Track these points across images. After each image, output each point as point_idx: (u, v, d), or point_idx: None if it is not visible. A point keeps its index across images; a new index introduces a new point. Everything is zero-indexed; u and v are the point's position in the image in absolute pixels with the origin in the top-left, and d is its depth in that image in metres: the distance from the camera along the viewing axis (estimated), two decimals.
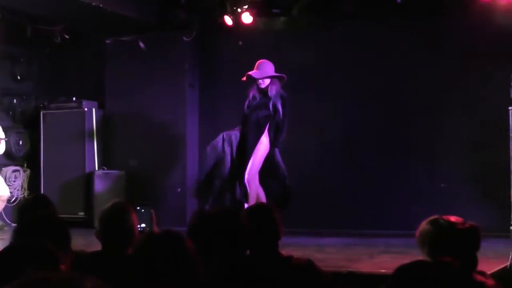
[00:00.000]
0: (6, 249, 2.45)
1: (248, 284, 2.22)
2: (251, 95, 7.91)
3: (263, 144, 7.78)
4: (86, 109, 9.70)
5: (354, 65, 8.97)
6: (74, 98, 9.81)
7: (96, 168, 9.64)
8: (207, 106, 9.76)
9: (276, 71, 9.17)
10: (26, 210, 4.29)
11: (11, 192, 8.94)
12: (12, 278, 1.20)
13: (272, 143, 7.79)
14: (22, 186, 9.83)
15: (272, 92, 7.82)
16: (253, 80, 7.89)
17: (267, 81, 7.87)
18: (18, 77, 10.25)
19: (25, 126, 10.27)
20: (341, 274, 4.66)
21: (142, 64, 9.76)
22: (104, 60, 10.11)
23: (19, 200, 9.35)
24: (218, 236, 2.87)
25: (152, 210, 3.96)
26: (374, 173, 8.79)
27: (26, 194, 9.71)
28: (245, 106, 7.91)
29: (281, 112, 7.75)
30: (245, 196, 7.72)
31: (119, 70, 9.98)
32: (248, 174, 7.67)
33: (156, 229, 4.04)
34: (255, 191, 7.70)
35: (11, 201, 8.87)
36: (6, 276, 1.25)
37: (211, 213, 2.97)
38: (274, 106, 7.76)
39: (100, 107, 9.97)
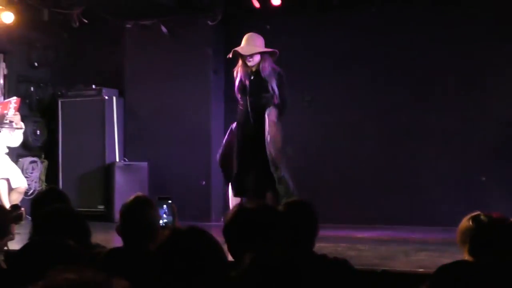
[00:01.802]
0: (27, 246, 2.47)
1: (279, 283, 2.21)
2: (239, 76, 7.29)
3: (273, 129, 7.20)
4: (106, 97, 9.74)
5: (386, 50, 8.90)
6: (93, 86, 9.86)
7: (117, 160, 9.68)
8: (233, 93, 9.74)
9: (306, 56, 9.17)
10: (39, 204, 4.31)
11: (28, 184, 9.01)
12: (34, 276, 1.20)
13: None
14: (39, 178, 9.91)
15: (266, 71, 7.20)
16: (240, 57, 7.28)
17: (257, 58, 7.25)
18: (35, 64, 10.32)
19: (42, 114, 10.34)
20: (376, 272, 4.64)
21: (164, 50, 9.77)
22: (124, 45, 10.14)
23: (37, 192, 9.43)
24: (258, 232, 2.86)
25: (173, 205, 3.98)
26: (409, 166, 8.74)
27: (43, 186, 9.79)
28: (236, 89, 7.39)
29: (277, 93, 7.16)
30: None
31: (139, 56, 10.00)
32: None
33: (178, 224, 4.05)
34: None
35: (28, 193, 8.94)
36: (29, 274, 1.26)
37: (251, 208, 2.96)
38: (272, 87, 7.16)
39: (121, 94, 10.00)
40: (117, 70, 10.17)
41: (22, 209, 4.51)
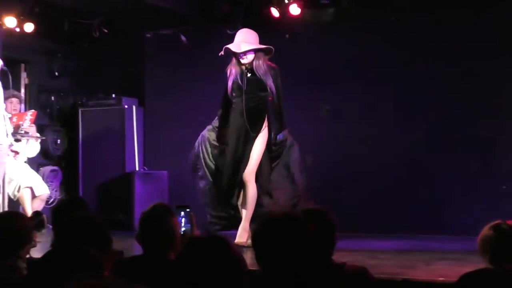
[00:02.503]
0: (48, 254, 2.48)
1: None
2: (233, 75, 6.97)
3: (264, 134, 7.02)
4: (126, 106, 9.79)
5: (405, 60, 8.88)
6: (113, 95, 9.91)
7: (137, 168, 9.72)
8: None
9: (324, 65, 9.15)
10: (60, 213, 4.33)
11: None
12: (55, 284, 1.21)
13: (277, 129, 7.10)
14: (60, 187, 9.96)
15: (261, 69, 6.92)
16: (233, 55, 6.99)
17: (250, 55, 6.97)
18: (56, 73, 10.40)
19: (63, 124, 10.41)
20: (396, 281, 4.62)
21: (183, 59, 9.80)
22: (144, 54, 10.19)
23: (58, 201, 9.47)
24: (284, 241, 2.85)
25: (192, 213, 3.98)
26: (428, 174, 8.69)
27: (64, 195, 9.83)
28: (229, 88, 7.05)
29: (274, 92, 6.94)
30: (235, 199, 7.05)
31: (159, 65, 10.04)
32: (247, 173, 6.93)
33: (196, 232, 4.06)
34: (254, 195, 6.98)
35: (49, 202, 8.99)
36: (50, 282, 1.27)
37: (277, 217, 2.96)
38: (269, 86, 6.90)
39: (141, 104, 10.04)
40: (137, 79, 10.22)
41: (44, 215, 4.54)
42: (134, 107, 9.87)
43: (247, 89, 6.97)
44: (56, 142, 10.17)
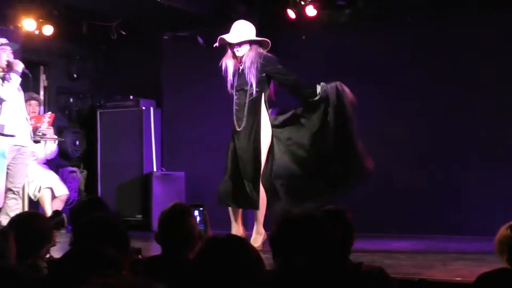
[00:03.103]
0: (68, 254, 2.49)
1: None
2: (229, 69, 6.74)
3: (265, 128, 6.71)
4: (143, 108, 9.81)
5: (421, 61, 8.85)
6: (131, 97, 9.93)
7: (155, 169, 9.74)
8: (269, 102, 9.73)
9: (341, 66, 9.12)
10: (80, 213, 4.35)
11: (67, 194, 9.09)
12: (75, 283, 1.21)
13: (308, 95, 6.68)
14: (78, 188, 10.01)
15: (248, 61, 6.60)
16: (228, 47, 6.75)
17: (245, 47, 6.73)
18: (74, 75, 10.45)
19: (81, 125, 10.46)
20: (413, 282, 4.60)
21: (200, 60, 9.80)
22: (161, 56, 10.21)
23: (76, 202, 9.51)
24: (302, 241, 2.85)
25: (205, 212, 3.99)
26: (446, 174, 8.66)
27: (83, 195, 9.87)
28: (228, 84, 6.87)
29: (254, 85, 6.57)
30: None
31: (176, 66, 10.06)
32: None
33: (210, 232, 4.07)
34: (263, 198, 6.71)
35: (68, 203, 9.03)
36: (70, 282, 1.27)
37: (296, 217, 2.96)
38: (249, 79, 6.52)
39: (158, 105, 10.07)
40: (155, 81, 10.24)
41: (64, 215, 4.57)
42: (151, 109, 9.89)
43: (237, 85, 6.79)
44: (75, 144, 10.22)
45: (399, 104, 8.94)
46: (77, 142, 10.25)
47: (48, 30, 9.24)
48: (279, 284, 2.29)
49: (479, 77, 8.56)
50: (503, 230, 3.25)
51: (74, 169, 10.06)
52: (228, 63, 6.82)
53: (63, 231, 8.76)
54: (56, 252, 4.30)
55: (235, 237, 2.50)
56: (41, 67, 10.17)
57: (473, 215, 8.29)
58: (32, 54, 9.22)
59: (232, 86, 6.84)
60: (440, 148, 8.73)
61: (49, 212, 7.93)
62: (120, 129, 9.81)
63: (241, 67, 6.74)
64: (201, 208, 4.12)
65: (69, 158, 10.17)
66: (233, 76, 6.81)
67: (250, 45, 6.71)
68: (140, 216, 9.44)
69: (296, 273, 1.95)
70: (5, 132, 7.00)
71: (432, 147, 8.77)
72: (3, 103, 6.98)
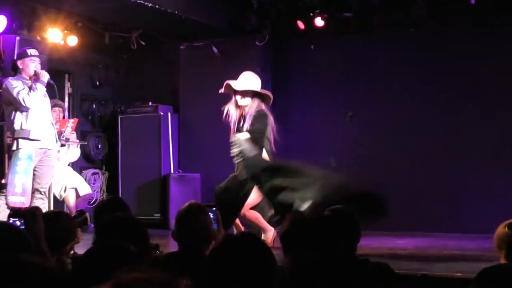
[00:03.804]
0: (92, 251, 2.49)
1: (325, 286, 2.19)
2: (232, 116, 6.56)
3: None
4: (161, 113, 9.83)
5: (423, 67, 8.83)
6: (150, 103, 9.95)
7: (172, 171, 9.75)
8: (279, 110, 9.73)
9: (348, 74, 9.11)
10: (102, 212, 4.35)
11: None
12: (98, 279, 1.21)
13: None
14: (101, 188, 10.03)
15: (248, 114, 6.46)
16: (233, 94, 6.58)
17: (248, 99, 6.56)
18: (97, 83, 10.48)
19: (104, 130, 10.48)
20: (416, 277, 4.58)
21: (215, 69, 9.81)
22: (179, 65, 10.23)
23: (99, 201, 9.53)
24: (312, 239, 2.85)
25: (218, 212, 3.99)
26: (446, 174, 8.63)
27: (104, 196, 9.90)
28: (232, 129, 6.67)
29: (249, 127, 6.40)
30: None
31: (193, 74, 10.07)
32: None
33: (222, 231, 4.07)
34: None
35: (91, 202, 9.06)
36: (93, 277, 1.27)
37: (307, 216, 2.96)
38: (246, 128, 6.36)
39: (175, 111, 10.08)
40: (172, 88, 10.26)
41: (87, 214, 4.57)
42: (169, 114, 9.90)
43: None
44: (97, 147, 10.25)
45: (403, 108, 8.93)
46: (100, 146, 10.28)
47: (72, 40, 9.27)
48: (289, 279, 2.28)
49: (480, 83, 8.55)
50: (501, 228, 3.24)
51: (97, 170, 10.08)
52: (231, 109, 6.65)
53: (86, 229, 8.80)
54: (80, 249, 4.31)
55: (249, 234, 2.50)
56: (66, 76, 10.20)
57: (473, 214, 8.26)
58: (57, 64, 9.25)
59: (235, 131, 6.65)
60: (441, 148, 8.71)
61: (73, 211, 7.94)
62: (140, 133, 9.83)
63: (243, 117, 6.61)
64: (214, 209, 4.12)
65: (92, 160, 10.20)
66: (238, 123, 6.65)
67: (252, 98, 6.55)
68: (158, 215, 9.45)
69: (306, 269, 1.95)
70: (31, 137, 7.06)
71: (434, 147, 8.74)
72: (29, 111, 7.04)
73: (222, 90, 6.69)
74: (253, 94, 6.57)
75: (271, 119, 6.64)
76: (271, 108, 9.51)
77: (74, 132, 8.41)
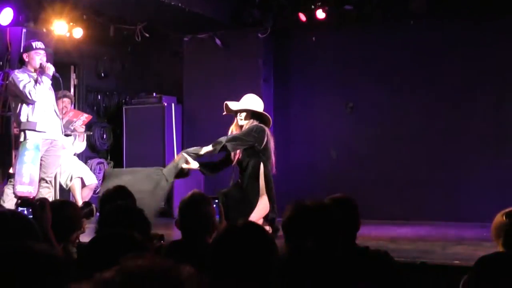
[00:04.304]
0: (96, 238, 2.49)
1: (324, 274, 2.18)
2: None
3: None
4: (165, 104, 9.82)
5: (424, 60, 8.82)
6: (154, 94, 9.95)
7: None
8: (280, 101, 9.74)
9: (349, 65, 9.09)
10: (107, 201, 4.35)
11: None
12: (103, 266, 1.21)
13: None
14: None
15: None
16: (234, 115, 6.59)
17: (247, 117, 6.55)
18: (102, 75, 10.46)
19: (109, 120, 10.48)
20: (415, 264, 4.58)
21: (218, 60, 9.81)
22: (182, 57, 10.21)
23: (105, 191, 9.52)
24: (313, 226, 2.84)
25: (220, 204, 3.98)
26: (446, 163, 8.63)
27: None
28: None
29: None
30: None
31: (196, 66, 10.05)
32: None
33: (224, 223, 4.07)
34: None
35: (96, 191, 9.06)
36: (100, 265, 1.27)
37: (308, 205, 2.95)
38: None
39: (179, 102, 10.07)
40: (176, 79, 10.25)
41: (93, 205, 4.58)
42: (173, 105, 9.90)
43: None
44: (102, 137, 10.25)
45: (404, 99, 8.93)
46: (105, 136, 10.28)
47: (78, 33, 9.25)
48: (288, 267, 2.27)
49: (479, 75, 8.53)
50: (499, 217, 3.23)
51: (102, 160, 10.08)
52: (233, 129, 6.68)
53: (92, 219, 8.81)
54: (85, 239, 4.31)
55: (252, 223, 2.49)
56: (72, 67, 10.18)
57: (472, 203, 8.26)
58: (63, 55, 9.23)
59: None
60: (441, 138, 8.70)
61: (79, 200, 7.95)
62: (144, 124, 9.83)
63: None
64: (217, 200, 4.13)
65: (97, 150, 10.20)
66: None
67: (250, 118, 6.55)
68: (162, 204, 9.43)
69: (304, 257, 1.95)
70: (37, 129, 7.07)
71: (433, 137, 8.74)
72: (35, 103, 7.05)
73: (224, 113, 6.70)
74: (252, 114, 6.57)
75: (269, 136, 6.60)
76: (274, 99, 9.54)
77: (84, 127, 8.42)
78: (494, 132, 8.43)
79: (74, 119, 8.21)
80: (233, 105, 6.59)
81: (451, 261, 4.85)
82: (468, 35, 8.59)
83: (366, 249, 3.24)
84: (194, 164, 6.66)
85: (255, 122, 6.59)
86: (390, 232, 7.19)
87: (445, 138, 8.67)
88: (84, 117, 8.34)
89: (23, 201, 3.93)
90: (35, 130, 7.06)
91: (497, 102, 8.42)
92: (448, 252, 5.56)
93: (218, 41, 9.70)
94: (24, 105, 7.08)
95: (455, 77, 8.65)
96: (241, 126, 6.56)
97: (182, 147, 9.98)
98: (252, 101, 6.62)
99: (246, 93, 9.52)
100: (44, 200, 3.57)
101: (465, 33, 8.61)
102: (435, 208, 8.50)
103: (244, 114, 6.54)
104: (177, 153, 9.86)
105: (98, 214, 4.45)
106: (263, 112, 6.65)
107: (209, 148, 6.61)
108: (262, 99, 9.53)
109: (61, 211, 3.79)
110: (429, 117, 8.78)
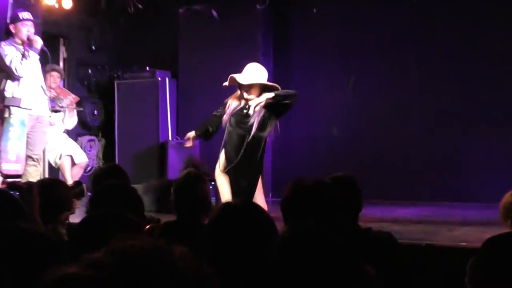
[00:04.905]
0: (88, 218, 2.48)
1: (326, 255, 2.18)
2: (231, 106, 6.20)
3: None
4: (159, 78, 9.78)
5: (430, 35, 8.79)
6: (147, 68, 9.92)
7: (170, 138, 9.74)
8: (281, 76, 9.69)
9: (351, 38, 9.04)
10: (100, 180, 4.35)
11: None
12: (95, 247, 1.21)
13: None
14: (97, 156, 10.03)
15: (256, 107, 6.00)
16: (238, 87, 6.22)
17: (255, 91, 6.11)
18: (93, 48, 10.41)
19: (100, 96, 10.45)
20: (420, 246, 4.59)
21: (214, 33, 9.76)
22: (177, 29, 10.15)
23: (94, 169, 9.54)
24: (312, 206, 2.84)
25: (216, 185, 3.97)
26: (452, 143, 8.63)
27: (101, 163, 9.91)
28: (227, 115, 6.28)
29: (255, 126, 6.02)
30: None
31: (191, 39, 10.00)
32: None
33: (220, 202, 4.07)
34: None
35: (87, 170, 9.06)
36: (92, 245, 1.27)
37: (307, 183, 2.95)
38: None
39: (174, 76, 10.04)
40: (170, 53, 10.20)
41: (84, 185, 4.58)
42: (167, 80, 9.86)
43: (237, 121, 6.21)
44: (93, 114, 10.22)
45: (410, 74, 8.90)
46: (96, 112, 10.25)
47: (67, 3, 9.18)
48: (287, 248, 2.27)
49: (484, 51, 8.51)
50: (507, 197, 3.24)
51: (93, 137, 10.07)
52: (231, 103, 6.28)
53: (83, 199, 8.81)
54: (75, 219, 4.31)
55: (250, 203, 2.49)
56: (61, 40, 10.13)
57: (478, 183, 8.27)
58: (52, 27, 9.19)
59: (233, 123, 6.25)
60: (447, 117, 8.69)
61: (69, 179, 7.96)
62: (137, 99, 9.80)
63: (246, 110, 6.17)
64: (213, 182, 4.13)
65: (88, 127, 10.18)
66: (238, 116, 6.22)
67: (259, 91, 6.13)
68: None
69: (304, 237, 1.94)
70: (22, 106, 7.05)
71: (440, 116, 8.73)
72: (21, 79, 7.02)
73: (226, 83, 6.26)
74: (260, 87, 6.17)
75: None
76: (273, 74, 9.50)
77: (72, 109, 8.41)
78: (502, 110, 8.42)
79: (61, 97, 8.20)
80: (242, 78, 6.15)
81: (457, 242, 4.86)
82: (475, 8, 8.54)
83: (369, 230, 3.24)
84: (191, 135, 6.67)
85: (265, 97, 6.10)
86: (393, 213, 7.21)
87: (452, 116, 8.65)
88: (72, 98, 8.32)
89: (9, 185, 3.92)
90: (19, 107, 7.03)
91: (507, 78, 8.40)
92: (454, 234, 5.57)
93: (214, 13, 9.65)
94: (9, 80, 7.05)
95: (463, 52, 8.61)
96: (246, 100, 6.14)
97: (177, 123, 9.98)
98: (261, 73, 6.20)
99: (243, 67, 9.52)
100: (32, 184, 3.57)
101: (472, 5, 8.55)
102: (440, 188, 8.52)
103: (253, 88, 6.12)
104: (171, 129, 9.88)
105: (89, 193, 4.45)
106: (274, 84, 6.31)
107: (270, 94, 6.08)
108: None
109: (50, 190, 3.79)
110: (435, 93, 8.76)
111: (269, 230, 2.33)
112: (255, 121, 6.07)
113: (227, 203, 2.47)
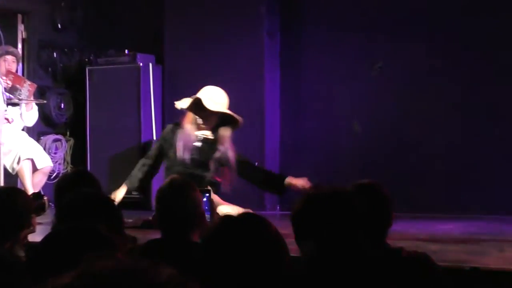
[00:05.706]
0: (50, 236, 2.48)
1: (347, 278, 2.18)
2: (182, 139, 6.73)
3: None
4: (141, 64, 9.82)
5: (453, 21, 8.83)
6: (126, 51, 9.93)
7: (154, 137, 9.75)
8: (289, 59, 9.71)
9: (375, 21, 9.06)
10: (65, 189, 4.35)
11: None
12: (60, 269, 1.19)
13: None
14: (64, 159, 10.04)
15: (224, 144, 6.73)
16: (194, 112, 6.82)
17: (213, 121, 6.84)
18: (59, 26, 10.42)
19: (68, 85, 10.46)
20: (463, 270, 4.59)
21: (209, 10, 9.76)
22: (163, 5, 10.16)
23: (60, 176, 9.54)
24: (329, 220, 2.85)
25: (212, 198, 4.00)
26: (498, 151, 8.62)
27: (69, 168, 9.91)
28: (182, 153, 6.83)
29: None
30: None
31: (181, 17, 10.01)
32: None
33: (216, 212, 4.09)
34: None
35: (52, 177, 9.06)
36: (56, 267, 1.25)
37: (323, 193, 2.95)
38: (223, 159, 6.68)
39: (158, 61, 10.05)
40: (155, 33, 10.21)
41: (45, 198, 4.58)
42: (150, 65, 9.89)
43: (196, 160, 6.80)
44: (59, 107, 10.22)
45: (446, 61, 8.92)
46: (62, 105, 10.26)
47: None
48: (315, 273, 2.28)
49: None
50: None
51: (59, 137, 10.09)
52: (188, 128, 6.87)
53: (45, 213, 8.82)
54: (36, 236, 4.30)
55: (253, 215, 2.49)
56: (19, 16, 10.14)
57: None
58: (8, 1, 9.20)
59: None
60: (488, 120, 8.70)
61: (29, 187, 7.96)
62: (114, 90, 9.84)
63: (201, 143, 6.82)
64: (208, 194, 4.15)
65: (52, 124, 10.19)
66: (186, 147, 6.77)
67: (217, 121, 6.85)
68: (137, 192, 9.45)
69: (327, 260, 1.94)
70: None
71: (478, 123, 8.72)
72: None
73: (182, 106, 6.94)
74: (217, 117, 6.79)
75: None
76: (280, 57, 9.53)
77: (32, 99, 8.44)
78: None
79: (18, 86, 8.21)
80: (211, 104, 6.71)
81: (510, 265, 4.85)
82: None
83: (400, 250, 3.24)
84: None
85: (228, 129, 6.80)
86: (430, 229, 7.22)
87: (492, 118, 8.65)
88: (28, 85, 8.33)
89: None
90: None
91: None
92: (506, 255, 5.57)
93: None
94: None
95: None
96: (199, 129, 6.73)
97: (163, 119, 9.99)
98: (226, 100, 6.80)
99: (245, 51, 9.55)
100: None
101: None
102: (487, 198, 8.50)
103: (213, 116, 6.75)
104: (155, 127, 9.90)
105: (52, 206, 4.46)
106: (237, 117, 6.89)
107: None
108: (265, 57, 9.60)
109: (7, 201, 3.79)
110: (474, 86, 8.75)
111: (278, 249, 2.33)
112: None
113: (228, 216, 2.47)
